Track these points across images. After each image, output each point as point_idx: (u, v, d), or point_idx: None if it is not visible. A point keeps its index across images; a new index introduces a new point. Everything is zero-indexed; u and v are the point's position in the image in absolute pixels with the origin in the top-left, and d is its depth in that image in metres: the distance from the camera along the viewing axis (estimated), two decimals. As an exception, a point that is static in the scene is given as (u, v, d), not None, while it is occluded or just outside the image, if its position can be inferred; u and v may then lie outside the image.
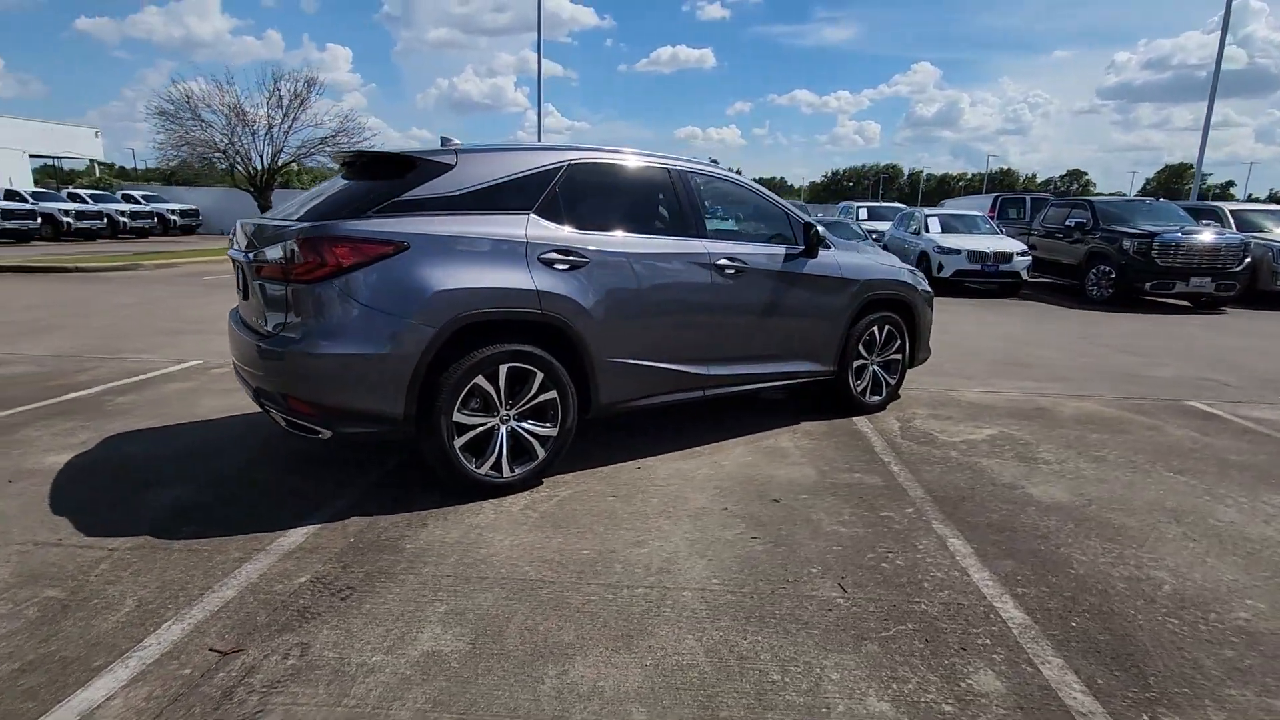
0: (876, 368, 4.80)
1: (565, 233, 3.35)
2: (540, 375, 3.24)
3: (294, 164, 22.54)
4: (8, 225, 20.02)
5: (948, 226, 13.80)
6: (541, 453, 3.33)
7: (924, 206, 19.99)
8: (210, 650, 2.09)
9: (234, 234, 3.44)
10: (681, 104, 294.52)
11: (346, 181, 3.38)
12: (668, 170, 3.87)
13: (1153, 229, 11.19)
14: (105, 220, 23.18)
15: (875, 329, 4.67)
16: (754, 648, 2.17)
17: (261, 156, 20.49)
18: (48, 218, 21.43)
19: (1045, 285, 13.81)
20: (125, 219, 24.18)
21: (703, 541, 2.87)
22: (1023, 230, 14.64)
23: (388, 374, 2.92)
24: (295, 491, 3.26)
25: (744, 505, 3.24)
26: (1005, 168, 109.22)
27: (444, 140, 3.55)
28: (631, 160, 3.78)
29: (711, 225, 4.03)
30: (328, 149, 20.02)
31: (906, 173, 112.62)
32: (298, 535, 2.82)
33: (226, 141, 19.93)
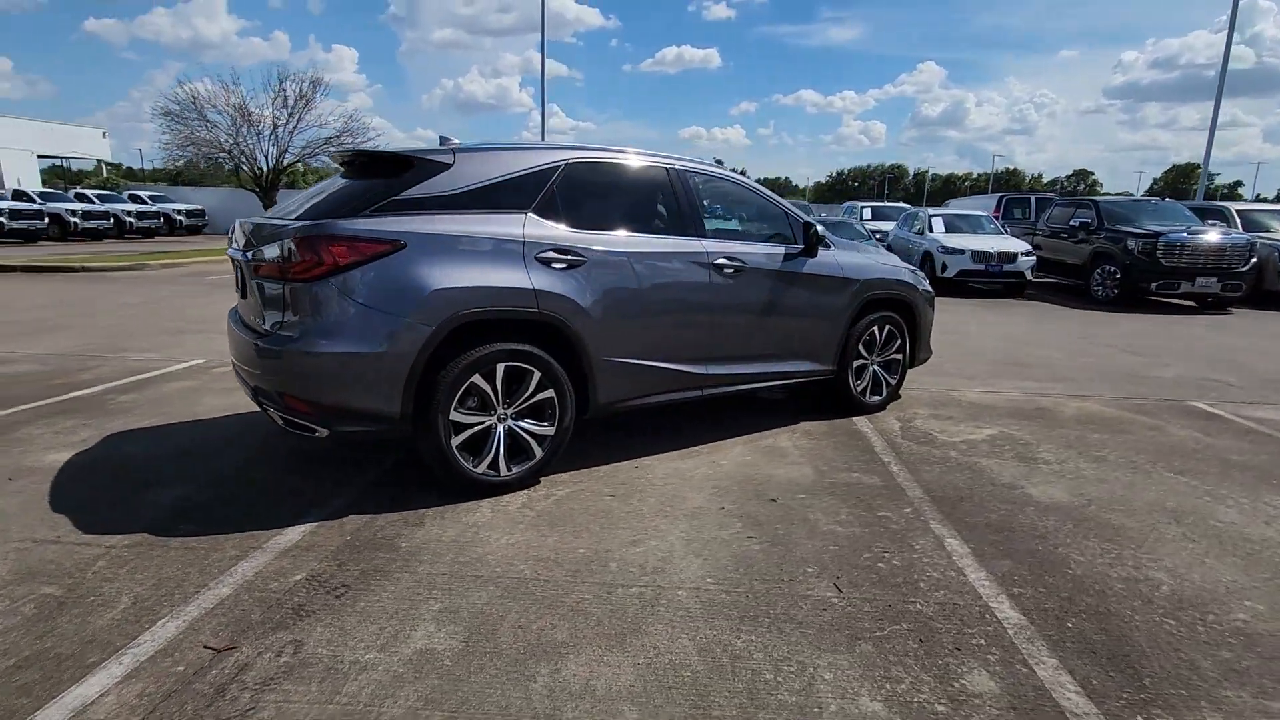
0: (877, 367, 4.79)
1: (563, 232, 3.35)
2: (538, 374, 3.24)
3: (299, 164, 22.61)
4: (15, 225, 20.12)
5: (952, 226, 13.75)
6: (539, 452, 3.33)
7: (929, 206, 19.94)
8: (205, 647, 2.10)
9: (232, 233, 3.45)
10: (686, 104, 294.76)
11: (345, 181, 3.38)
12: (666, 169, 3.87)
13: (1158, 229, 11.13)
14: (112, 220, 23.28)
15: (875, 329, 4.66)
16: (747, 647, 2.17)
17: (266, 157, 20.56)
18: (55, 218, 21.52)
19: (1050, 285, 13.74)
20: (132, 219, 24.28)
21: (699, 541, 2.87)
22: (1027, 230, 14.58)
23: (384, 373, 2.92)
24: (293, 490, 3.26)
25: (741, 505, 3.23)
26: (1011, 168, 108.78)
27: (442, 140, 3.56)
28: (630, 159, 3.78)
29: (711, 225, 4.02)
30: (332, 149, 20.07)
31: (912, 173, 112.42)
32: (295, 533, 2.83)
33: (231, 142, 20.01)
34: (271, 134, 20.35)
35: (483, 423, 3.19)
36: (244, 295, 3.38)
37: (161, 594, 2.37)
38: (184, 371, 5.50)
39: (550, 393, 3.29)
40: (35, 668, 1.98)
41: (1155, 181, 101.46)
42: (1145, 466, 3.87)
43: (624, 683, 1.99)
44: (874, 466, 3.77)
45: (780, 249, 4.21)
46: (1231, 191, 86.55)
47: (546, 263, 3.25)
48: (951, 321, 8.99)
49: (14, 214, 20.15)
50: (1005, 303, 11.66)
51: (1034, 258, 12.58)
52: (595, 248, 3.41)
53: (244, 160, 20.27)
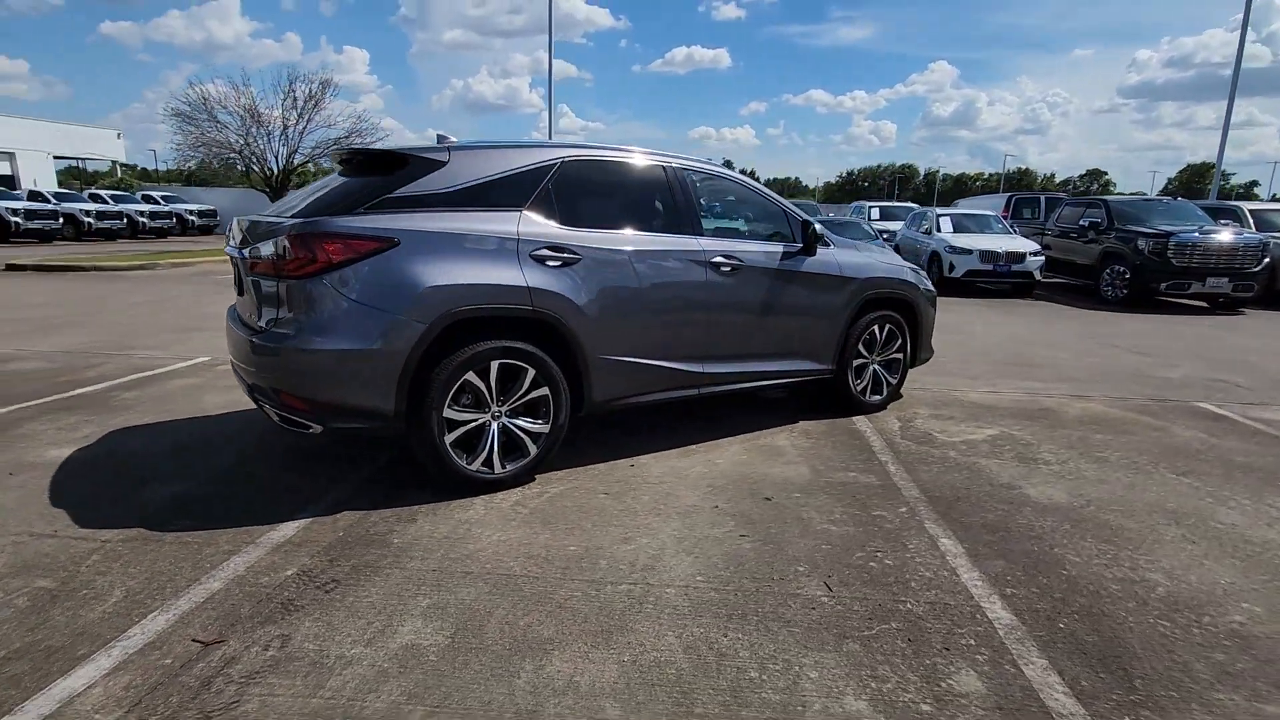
0: (877, 367, 4.76)
1: (558, 230, 3.35)
2: (532, 372, 3.24)
3: (309, 164, 22.79)
4: (31, 225, 20.39)
5: (960, 226, 13.66)
6: (533, 449, 3.33)
7: (938, 206, 19.84)
8: (193, 641, 2.11)
9: (230, 230, 3.47)
10: (696, 104, 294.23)
11: (342, 179, 3.40)
12: (664, 168, 3.86)
13: (1169, 228, 11.01)
14: (125, 220, 23.54)
15: (875, 328, 4.63)
16: (733, 645, 2.16)
17: (277, 157, 20.75)
18: (69, 218, 21.80)
19: (1059, 286, 13.63)
20: (144, 219, 24.55)
21: (690, 539, 2.86)
22: (1037, 230, 14.47)
23: (378, 369, 2.94)
24: (289, 486, 3.28)
25: (735, 503, 3.22)
26: (1023, 167, 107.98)
27: (440, 138, 3.57)
28: (626, 158, 3.78)
29: (709, 223, 4.02)
30: (341, 149, 20.21)
31: (922, 173, 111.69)
32: (288, 529, 2.84)
33: (242, 142, 20.20)
34: (281, 134, 20.55)
35: (477, 420, 3.19)
36: (241, 293, 3.40)
37: (153, 588, 2.39)
38: (188, 369, 5.55)
39: (545, 390, 3.30)
40: (25, 659, 2.00)
41: (1170, 181, 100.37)
42: (1147, 467, 3.83)
43: (607, 679, 1.98)
44: (871, 466, 3.75)
45: (778, 247, 4.20)
46: (1247, 191, 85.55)
47: (541, 260, 3.25)
48: (957, 321, 8.93)
49: (29, 214, 20.42)
50: (1013, 303, 11.58)
51: (1042, 258, 12.48)
52: (590, 245, 3.41)
53: (254, 160, 20.45)
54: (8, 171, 31.13)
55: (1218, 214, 12.44)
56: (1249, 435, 4.47)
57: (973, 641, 2.20)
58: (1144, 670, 2.08)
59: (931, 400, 5.13)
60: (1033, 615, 2.36)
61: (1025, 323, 9.39)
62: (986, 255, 12.20)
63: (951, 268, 12.44)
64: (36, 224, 20.53)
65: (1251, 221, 12.25)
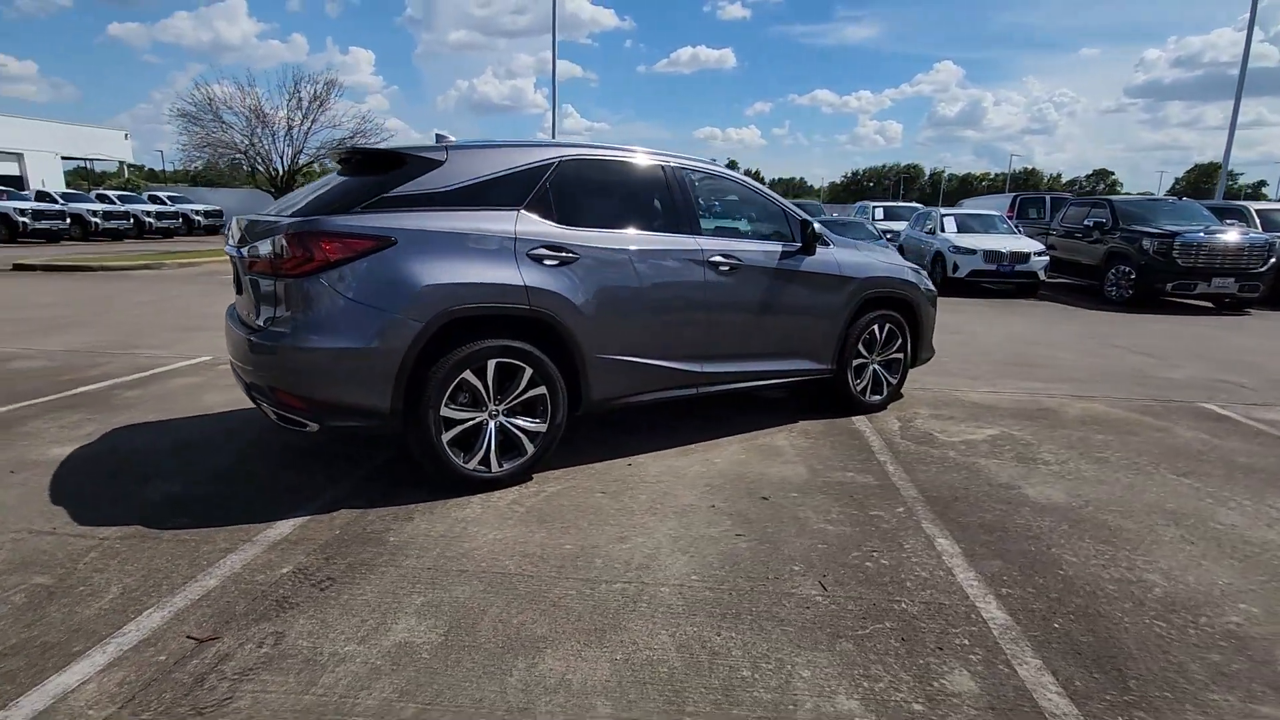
0: (877, 367, 4.75)
1: (555, 229, 3.35)
2: (529, 371, 3.25)
3: (314, 165, 22.86)
4: (39, 225, 20.53)
5: (964, 226, 13.61)
6: (531, 448, 3.34)
7: (942, 206, 19.77)
8: (187, 638, 2.12)
9: (229, 229, 3.49)
10: (701, 104, 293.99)
11: (341, 178, 3.41)
12: (662, 167, 3.86)
13: (1174, 228, 10.95)
14: (132, 220, 23.69)
15: (875, 327, 4.62)
16: (726, 644, 2.16)
17: (282, 158, 20.82)
18: (76, 218, 21.93)
19: (1064, 286, 13.57)
20: (151, 219, 24.69)
21: (686, 538, 2.86)
22: (1041, 230, 14.40)
23: (374, 368, 2.94)
24: (288, 485, 3.30)
25: (732, 503, 3.22)
26: (1029, 167, 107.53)
27: (439, 138, 3.58)
28: (624, 157, 3.78)
29: (708, 223, 4.01)
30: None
31: (928, 173, 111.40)
32: (285, 527, 2.85)
33: (247, 143, 20.27)
34: (286, 134, 20.61)
35: (474, 419, 3.20)
36: (240, 292, 3.42)
37: (150, 585, 2.40)
38: (190, 368, 5.57)
39: (542, 389, 3.30)
40: (21, 655, 2.02)
41: (1177, 181, 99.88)
42: (1148, 468, 3.81)
43: (599, 677, 1.99)
44: (870, 466, 3.74)
45: (777, 247, 4.19)
46: (1255, 191, 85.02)
47: (538, 259, 3.26)
48: (960, 322, 8.91)
49: (37, 214, 20.56)
50: (1017, 303, 11.53)
51: (1047, 258, 12.43)
52: (588, 245, 3.41)
53: (259, 161, 20.53)
54: (16, 172, 31.34)
55: (1224, 214, 12.37)
56: (1252, 436, 4.44)
57: (967, 641, 2.20)
58: (1139, 671, 2.07)
59: (932, 400, 5.12)
60: (1028, 615, 2.35)
61: (1028, 323, 9.36)
62: (990, 255, 12.16)
63: (955, 268, 12.40)
64: (44, 224, 20.67)
65: (1258, 221, 12.18)
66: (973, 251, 12.30)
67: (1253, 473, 3.77)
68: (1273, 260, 10.72)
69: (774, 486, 3.42)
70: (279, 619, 2.23)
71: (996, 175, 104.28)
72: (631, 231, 3.63)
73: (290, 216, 3.03)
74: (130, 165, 44.91)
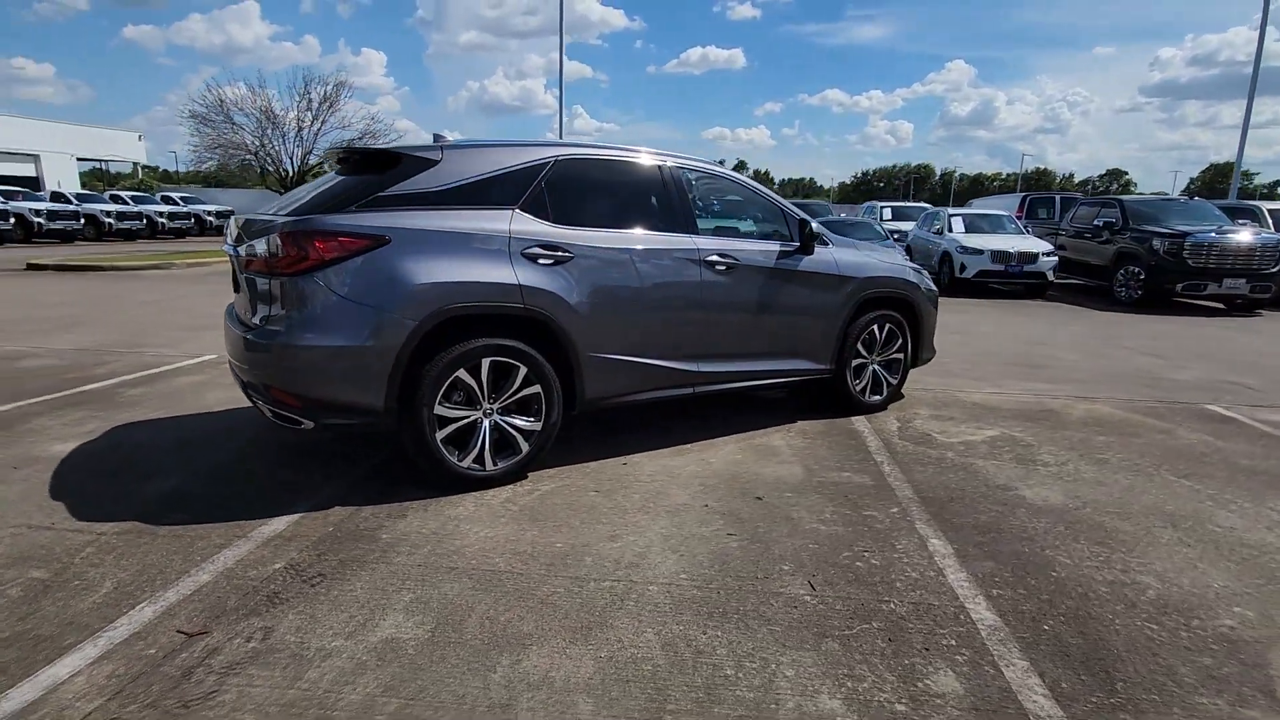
0: (877, 367, 4.73)
1: (550, 228, 3.36)
2: (524, 369, 3.26)
3: (323, 165, 23.01)
4: (53, 226, 20.82)
5: (972, 226, 13.53)
6: (525, 447, 3.35)
7: (952, 206, 19.64)
8: (177, 632, 2.14)
9: (228, 229, 3.52)
10: (711, 104, 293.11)
11: (338, 178, 3.43)
12: (659, 166, 3.86)
13: (1185, 228, 10.85)
14: (144, 221, 23.95)
15: (875, 327, 4.60)
16: (712, 643, 2.16)
17: (292, 158, 20.97)
18: (90, 218, 22.20)
19: (1073, 286, 13.45)
20: (163, 220, 24.97)
21: (677, 537, 2.86)
22: (1051, 230, 14.30)
23: (369, 366, 2.96)
24: (285, 482, 3.32)
25: (725, 502, 3.22)
26: (1042, 167, 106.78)
27: (436, 137, 3.60)
28: (620, 156, 3.79)
29: (706, 222, 4.02)
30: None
31: (939, 173, 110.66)
32: (279, 524, 2.88)
33: (257, 144, 20.44)
34: (296, 136, 20.76)
35: (468, 417, 3.21)
36: (237, 290, 3.45)
37: (144, 580, 2.43)
38: (194, 366, 5.63)
39: (537, 388, 3.31)
40: (14, 648, 2.05)
41: (1192, 181, 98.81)
42: (1148, 470, 3.78)
43: (583, 675, 1.99)
44: (866, 466, 3.73)
45: (775, 246, 4.18)
46: (1271, 191, 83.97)
47: (532, 259, 3.27)
48: (966, 322, 8.86)
49: (51, 215, 20.84)
50: (1024, 304, 11.45)
51: (1056, 258, 12.34)
52: (583, 244, 3.42)
53: (269, 162, 20.68)
54: (33, 173, 31.78)
55: (1236, 214, 12.24)
56: (1256, 438, 4.39)
57: (954, 642, 2.19)
58: (1127, 673, 2.06)
59: (933, 400, 5.09)
60: (1017, 617, 2.34)
61: (1035, 323, 9.29)
62: (998, 255, 12.08)
63: (963, 268, 12.32)
64: (58, 224, 20.95)
65: (1270, 221, 12.04)
66: (980, 252, 12.22)
67: (1254, 475, 3.73)
68: (1285, 261, 10.59)
69: (768, 486, 3.42)
70: (269, 614, 2.25)
71: (1008, 175, 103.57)
72: (627, 231, 3.64)
73: (285, 215, 3.05)
74: (144, 166, 45.39)
